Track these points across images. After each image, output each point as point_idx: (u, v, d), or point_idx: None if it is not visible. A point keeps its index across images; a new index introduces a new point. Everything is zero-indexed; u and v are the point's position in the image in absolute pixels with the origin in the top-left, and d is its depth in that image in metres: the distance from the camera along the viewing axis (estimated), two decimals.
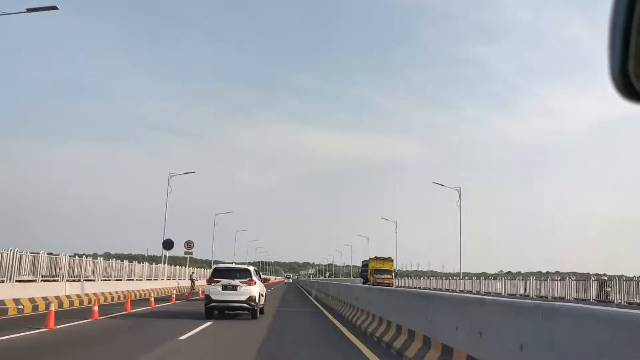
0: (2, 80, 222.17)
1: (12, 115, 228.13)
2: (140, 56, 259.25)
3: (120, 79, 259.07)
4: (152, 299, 24.42)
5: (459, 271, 50.62)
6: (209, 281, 17.65)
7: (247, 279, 17.43)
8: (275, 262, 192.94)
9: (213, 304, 17.19)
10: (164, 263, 40.71)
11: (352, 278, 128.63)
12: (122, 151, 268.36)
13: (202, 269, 61.41)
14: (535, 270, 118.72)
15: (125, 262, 30.94)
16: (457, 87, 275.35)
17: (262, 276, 22.23)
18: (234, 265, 20.66)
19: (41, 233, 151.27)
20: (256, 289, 17.52)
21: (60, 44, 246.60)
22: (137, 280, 32.04)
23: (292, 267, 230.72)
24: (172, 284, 40.30)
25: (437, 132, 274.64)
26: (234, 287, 17.17)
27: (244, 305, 17.22)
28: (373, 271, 62.04)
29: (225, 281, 17.28)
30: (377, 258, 67.34)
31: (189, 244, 46.16)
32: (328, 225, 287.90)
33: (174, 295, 29.19)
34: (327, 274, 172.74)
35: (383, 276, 58.83)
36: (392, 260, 67.01)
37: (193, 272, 45.36)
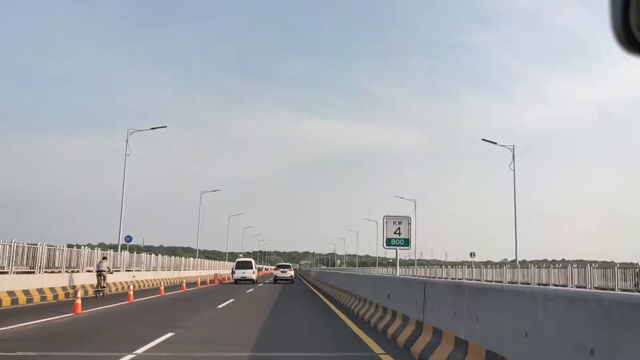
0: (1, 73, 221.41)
1: (9, 108, 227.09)
2: (135, 47, 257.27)
3: (116, 70, 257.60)
4: None
5: (464, 260, 49.73)
6: (275, 270, 46.19)
7: (289, 268, 45.42)
8: (275, 251, 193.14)
9: (277, 278, 43.72)
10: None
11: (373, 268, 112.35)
12: (120, 143, 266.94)
13: (192, 259, 59.92)
14: (541, 259, 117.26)
15: None
16: (457, 74, 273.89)
17: (258, 266, 46.13)
18: (284, 263, 50.64)
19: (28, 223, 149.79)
20: (292, 272, 45.36)
21: (57, 35, 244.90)
22: None
23: (292, 257, 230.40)
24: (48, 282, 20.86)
25: (436, 120, 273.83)
26: (285, 272, 44.16)
27: (288, 278, 43.71)
28: None
29: (281, 269, 44.92)
30: None
31: None
32: (327, 214, 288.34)
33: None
34: (338, 262, 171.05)
35: None
36: None
37: (105, 259, 24.29)
